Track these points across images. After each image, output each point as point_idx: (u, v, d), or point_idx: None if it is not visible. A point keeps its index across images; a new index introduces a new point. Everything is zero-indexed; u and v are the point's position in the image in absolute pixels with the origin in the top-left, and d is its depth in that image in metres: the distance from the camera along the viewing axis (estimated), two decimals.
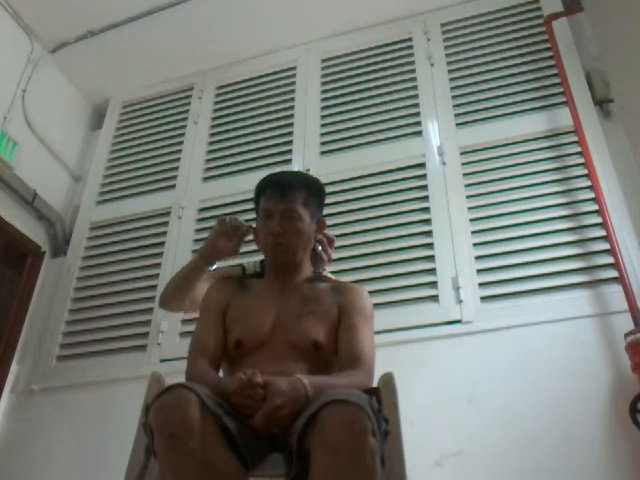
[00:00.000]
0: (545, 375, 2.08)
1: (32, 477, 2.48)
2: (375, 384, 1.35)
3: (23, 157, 3.00)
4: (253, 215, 1.61)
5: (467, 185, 2.57)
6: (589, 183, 2.38)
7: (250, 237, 1.60)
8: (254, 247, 1.62)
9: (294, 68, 3.23)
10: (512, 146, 2.60)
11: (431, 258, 2.44)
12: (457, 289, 2.32)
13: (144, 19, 3.12)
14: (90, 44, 3.25)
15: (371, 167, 2.75)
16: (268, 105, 3.16)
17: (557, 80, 2.67)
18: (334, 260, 1.73)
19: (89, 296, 2.91)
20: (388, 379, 1.37)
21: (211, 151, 3.15)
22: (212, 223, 1.65)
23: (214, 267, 1.61)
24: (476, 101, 2.78)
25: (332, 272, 1.79)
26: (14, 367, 2.80)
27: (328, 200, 1.88)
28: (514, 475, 1.95)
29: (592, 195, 2.35)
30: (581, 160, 2.44)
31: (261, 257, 1.61)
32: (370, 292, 1.56)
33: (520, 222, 2.41)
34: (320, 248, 1.62)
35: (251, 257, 1.86)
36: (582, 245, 2.30)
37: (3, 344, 2.83)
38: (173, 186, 3.09)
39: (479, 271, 2.36)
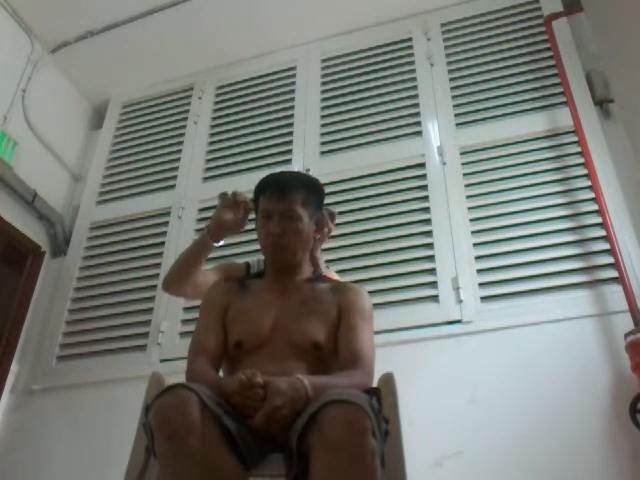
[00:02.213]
0: (545, 375, 2.08)
1: (32, 477, 2.48)
2: (375, 384, 1.35)
3: (23, 157, 3.00)
4: (253, 215, 1.61)
5: (467, 185, 2.57)
6: (589, 183, 2.38)
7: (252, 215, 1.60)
8: (254, 247, 1.62)
9: (294, 68, 3.23)
10: (512, 146, 2.60)
11: (431, 258, 2.44)
12: (457, 289, 2.32)
13: (144, 19, 3.12)
14: (90, 44, 3.25)
15: (371, 167, 2.75)
16: (268, 105, 3.16)
17: (557, 80, 2.67)
18: (335, 259, 1.73)
19: (89, 296, 2.91)
20: (388, 379, 1.37)
21: (211, 151, 3.15)
22: None
23: (220, 244, 1.61)
24: (476, 101, 2.78)
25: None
26: (14, 367, 2.80)
27: (328, 200, 1.88)
28: (514, 475, 1.94)
29: (592, 195, 2.35)
30: (581, 160, 2.44)
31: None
32: (370, 292, 1.56)
33: (520, 222, 2.41)
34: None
35: (252, 257, 1.86)
36: (582, 245, 2.30)
37: (3, 344, 2.83)
38: (173, 186, 3.09)
39: (479, 271, 2.36)
